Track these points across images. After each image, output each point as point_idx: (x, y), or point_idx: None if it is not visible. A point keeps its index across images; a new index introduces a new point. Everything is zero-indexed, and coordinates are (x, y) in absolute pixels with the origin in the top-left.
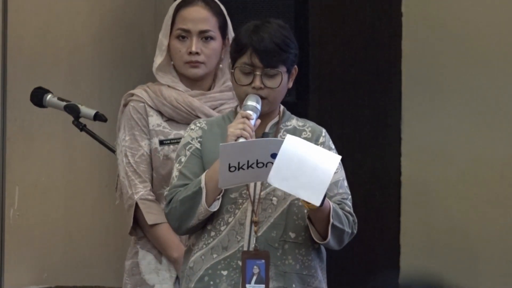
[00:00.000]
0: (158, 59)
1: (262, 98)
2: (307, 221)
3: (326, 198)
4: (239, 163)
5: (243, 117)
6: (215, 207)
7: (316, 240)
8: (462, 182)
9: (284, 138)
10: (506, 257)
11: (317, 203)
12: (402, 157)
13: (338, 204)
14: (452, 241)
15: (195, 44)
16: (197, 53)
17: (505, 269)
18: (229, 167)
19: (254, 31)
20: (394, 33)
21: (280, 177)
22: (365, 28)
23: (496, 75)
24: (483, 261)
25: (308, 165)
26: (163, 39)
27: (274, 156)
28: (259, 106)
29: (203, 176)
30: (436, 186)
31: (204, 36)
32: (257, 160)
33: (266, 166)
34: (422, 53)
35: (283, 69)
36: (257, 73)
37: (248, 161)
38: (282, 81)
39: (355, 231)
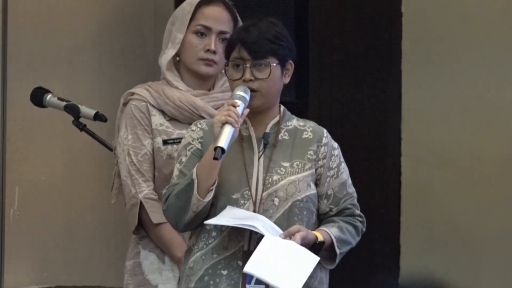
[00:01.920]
0: (171, 52)
1: (255, 90)
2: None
3: (326, 231)
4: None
5: (229, 105)
6: (207, 197)
7: (325, 266)
8: (462, 182)
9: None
10: (506, 257)
11: None
12: (402, 157)
13: (349, 209)
14: (452, 241)
15: (214, 43)
16: (214, 52)
17: (505, 269)
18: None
19: (244, 28)
20: (394, 33)
21: (257, 266)
22: (365, 28)
23: (497, 75)
24: (483, 261)
25: (285, 263)
26: (177, 33)
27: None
28: (247, 96)
29: (195, 169)
30: (436, 186)
31: (223, 37)
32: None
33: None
34: (422, 53)
35: (273, 60)
36: (247, 65)
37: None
38: (271, 72)
39: (364, 229)
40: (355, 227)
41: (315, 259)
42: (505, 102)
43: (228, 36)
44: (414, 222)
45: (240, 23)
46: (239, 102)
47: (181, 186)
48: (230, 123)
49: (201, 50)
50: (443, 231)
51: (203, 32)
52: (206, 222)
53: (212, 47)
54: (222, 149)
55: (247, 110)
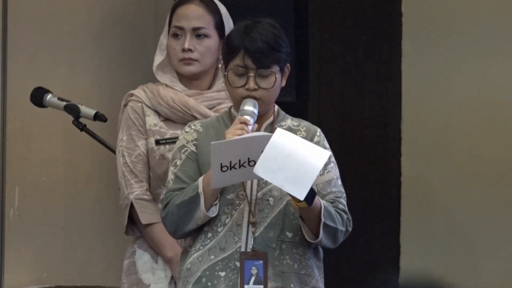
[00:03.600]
0: (158, 58)
1: (257, 99)
2: (299, 220)
3: (317, 197)
4: (231, 162)
5: (241, 122)
6: (213, 212)
7: (308, 239)
8: (462, 182)
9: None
10: (506, 257)
11: (301, 197)
12: (402, 157)
13: (332, 203)
14: (452, 241)
15: (188, 41)
16: (190, 50)
17: (505, 269)
18: (221, 167)
19: (245, 32)
20: (394, 33)
21: (266, 169)
22: (365, 28)
23: (498, 74)
24: (483, 261)
25: (296, 158)
26: (163, 38)
27: None
28: (256, 111)
29: (200, 181)
30: (436, 186)
31: (198, 33)
32: (248, 159)
33: None
34: (422, 53)
35: (276, 68)
36: (251, 74)
37: (240, 160)
38: (276, 81)
39: (349, 229)
40: (340, 215)
41: (326, 153)
42: (505, 102)
43: (205, 31)
44: (414, 221)
45: (224, 16)
46: (250, 119)
47: (185, 198)
48: None
49: (179, 51)
50: (443, 231)
51: (178, 33)
52: (214, 143)
53: (186, 45)
54: None
55: (256, 126)
